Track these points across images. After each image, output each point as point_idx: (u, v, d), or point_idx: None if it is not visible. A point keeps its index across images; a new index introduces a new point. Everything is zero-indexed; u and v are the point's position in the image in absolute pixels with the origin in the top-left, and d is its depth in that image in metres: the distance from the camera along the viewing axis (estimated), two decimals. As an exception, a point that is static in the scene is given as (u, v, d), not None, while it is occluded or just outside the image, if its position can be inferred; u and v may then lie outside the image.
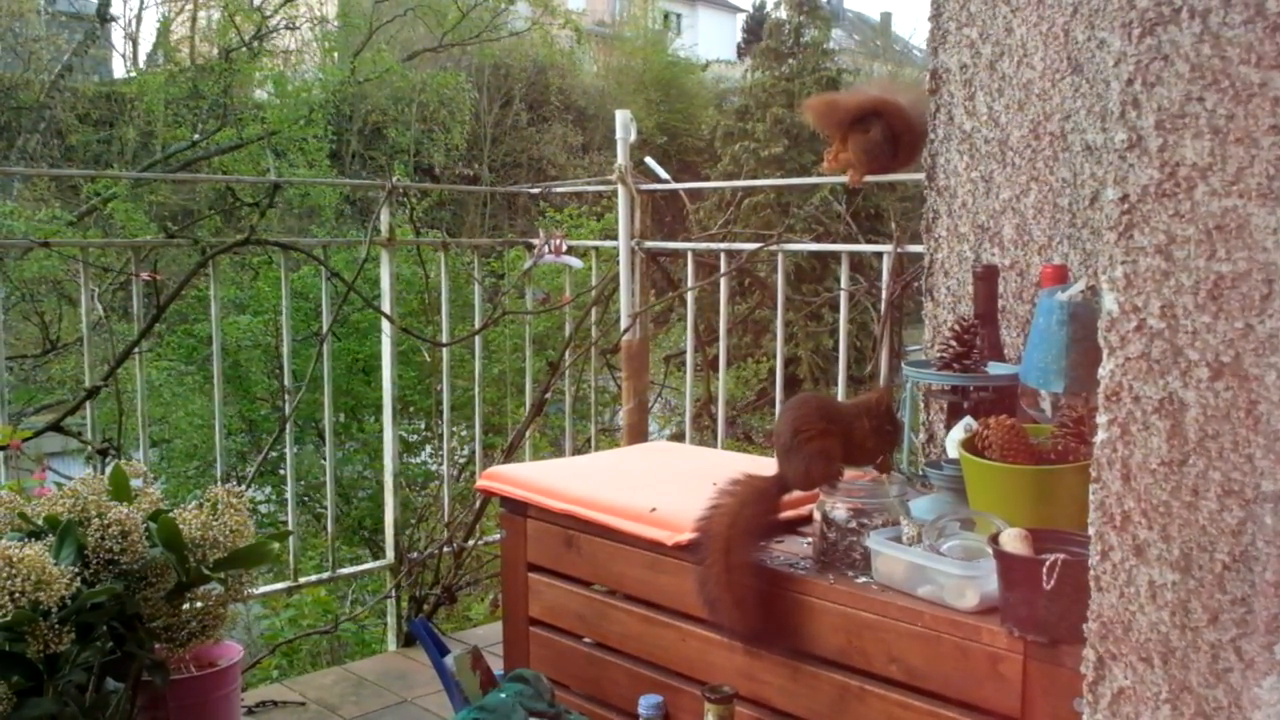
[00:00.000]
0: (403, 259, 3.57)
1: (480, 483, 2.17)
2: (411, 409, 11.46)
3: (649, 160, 3.33)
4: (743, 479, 1.70)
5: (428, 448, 13.15)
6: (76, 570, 1.57)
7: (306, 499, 10.69)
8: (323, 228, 11.97)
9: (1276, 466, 1.06)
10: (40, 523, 1.70)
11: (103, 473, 2.61)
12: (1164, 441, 1.14)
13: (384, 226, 2.93)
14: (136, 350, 2.57)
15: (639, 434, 3.06)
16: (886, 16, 31.29)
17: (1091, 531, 1.21)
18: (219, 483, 2.82)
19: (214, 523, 1.74)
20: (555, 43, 17.01)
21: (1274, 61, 1.05)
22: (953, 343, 1.82)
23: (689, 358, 2.97)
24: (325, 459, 3.11)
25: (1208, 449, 1.11)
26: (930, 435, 2.18)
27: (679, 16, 29.98)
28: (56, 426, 2.52)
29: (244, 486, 1.90)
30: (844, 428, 1.67)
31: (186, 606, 1.75)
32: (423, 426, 11.63)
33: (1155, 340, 1.15)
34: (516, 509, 2.08)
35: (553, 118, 20.70)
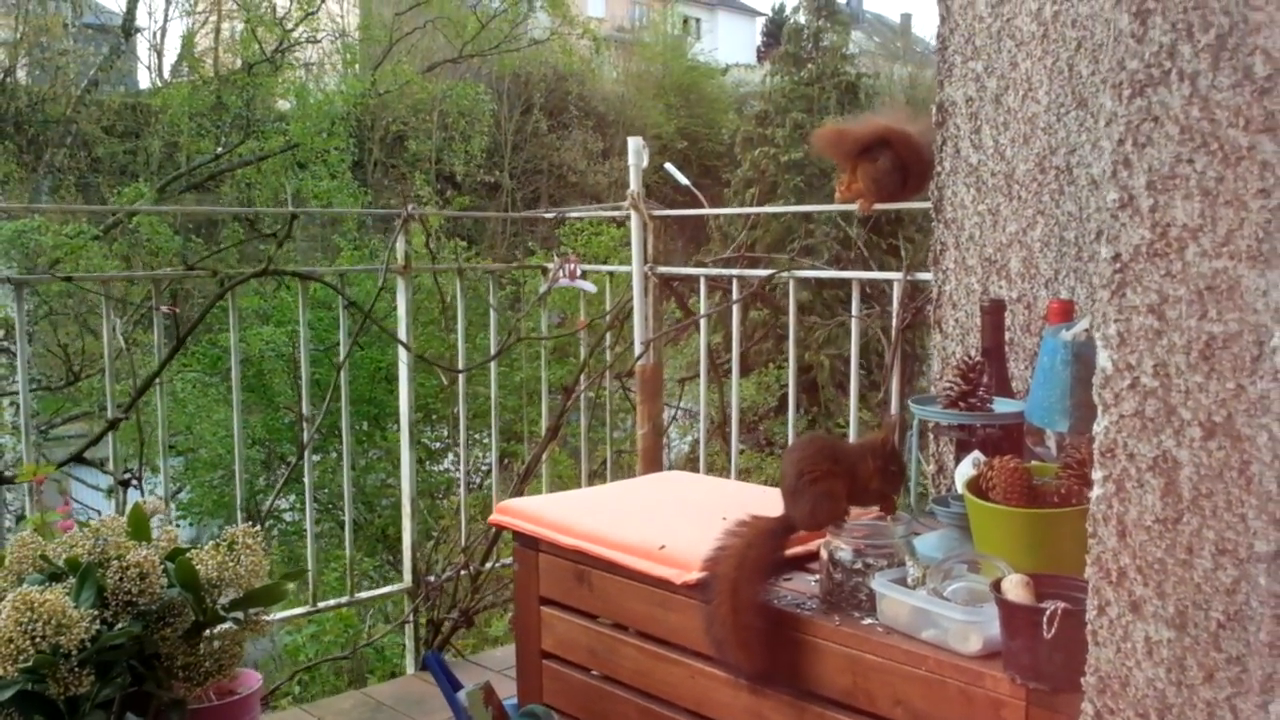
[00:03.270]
0: (423, 276, 3.60)
1: (494, 517, 2.20)
2: (434, 417, 11.54)
3: (668, 166, 3.35)
4: (749, 520, 1.71)
5: (450, 455, 13.24)
6: (96, 613, 1.61)
7: (331, 506, 10.79)
8: (345, 238, 12.07)
9: (1269, 527, 1.07)
10: (61, 564, 1.74)
11: (124, 501, 2.66)
12: (1158, 499, 1.15)
13: (400, 254, 2.97)
14: (157, 381, 2.61)
15: (653, 457, 3.08)
16: (906, 18, 31.20)
17: (1089, 586, 1.22)
18: (238, 500, 2.88)
19: (230, 563, 1.77)
20: (574, 52, 17.04)
21: (1261, 125, 1.06)
22: (958, 380, 1.83)
23: (703, 381, 2.98)
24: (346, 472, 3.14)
25: (1201, 508, 1.12)
26: (940, 466, 2.19)
27: (698, 21, 30.00)
28: (79, 457, 2.57)
29: (266, 505, 1.93)
30: (849, 468, 1.69)
31: (203, 646, 1.79)
32: (445, 434, 11.71)
33: (1149, 398, 1.16)
34: (528, 543, 2.10)
35: (573, 124, 20.78)
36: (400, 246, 2.96)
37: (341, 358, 2.88)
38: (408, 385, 3.00)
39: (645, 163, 2.99)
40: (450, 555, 3.13)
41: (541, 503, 2.20)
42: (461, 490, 3.10)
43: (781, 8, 27.28)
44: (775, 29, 26.75)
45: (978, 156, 2.11)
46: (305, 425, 2.89)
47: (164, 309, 2.56)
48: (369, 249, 12.47)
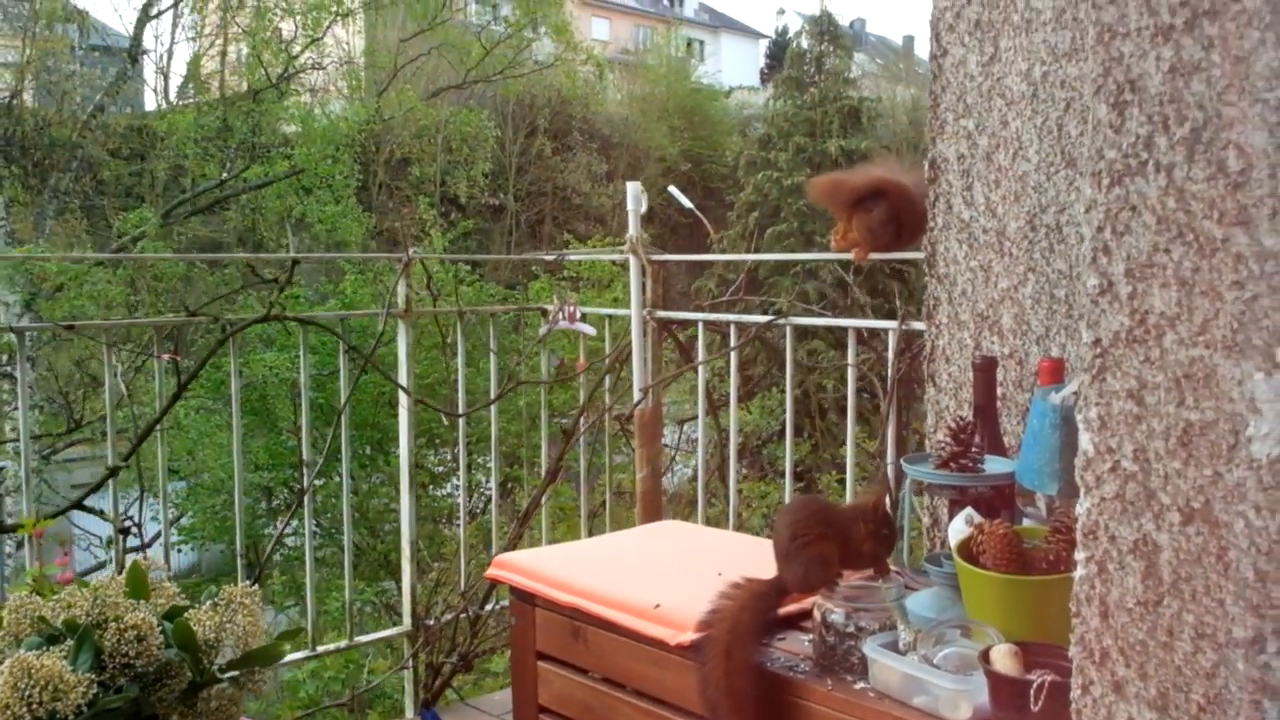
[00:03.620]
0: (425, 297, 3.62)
1: (491, 571, 2.22)
2: (437, 441, 11.55)
3: (672, 189, 3.38)
4: (743, 582, 1.73)
5: (453, 479, 13.23)
6: (93, 677, 1.63)
7: (334, 531, 10.80)
8: (349, 262, 12.14)
9: (1247, 613, 1.09)
10: (59, 625, 1.75)
11: (123, 549, 2.69)
12: (1139, 582, 1.17)
13: (401, 297, 3.00)
14: (158, 428, 2.64)
15: (652, 500, 3.10)
16: (909, 40, 31.35)
17: (1073, 665, 1.24)
18: (238, 531, 2.90)
19: (228, 624, 1.79)
20: (578, 76, 17.16)
21: (1235, 219, 1.09)
22: (950, 440, 1.85)
23: (700, 426, 3.01)
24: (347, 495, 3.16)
25: (1181, 591, 1.14)
26: (935, 518, 2.21)
27: (701, 43, 30.17)
28: (79, 504, 2.60)
29: (266, 551, 1.95)
30: (841, 531, 1.71)
31: (200, 705, 1.80)
32: (448, 458, 11.72)
33: (1129, 482, 1.18)
34: (525, 598, 2.12)
35: (576, 147, 20.90)
36: (401, 290, 2.99)
37: (342, 401, 2.90)
38: (407, 429, 3.02)
39: (644, 207, 3.02)
40: (449, 598, 3.14)
41: (538, 557, 2.22)
42: (462, 533, 3.12)
43: (785, 30, 27.45)
44: (778, 51, 26.89)
45: (970, 213, 2.13)
46: (305, 470, 2.91)
47: (165, 356, 2.59)
48: (373, 272, 12.52)
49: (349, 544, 2.91)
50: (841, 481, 3.65)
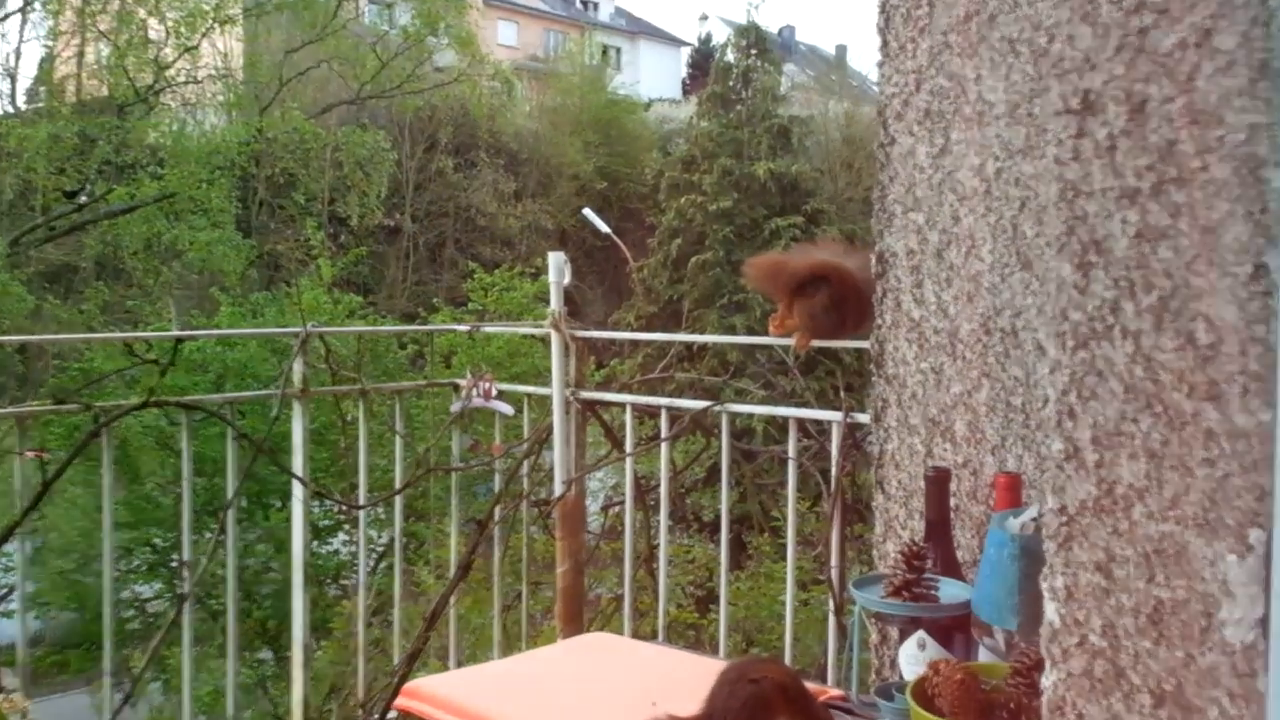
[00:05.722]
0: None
1: (400, 701, 2.20)
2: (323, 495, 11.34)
3: (587, 212, 3.42)
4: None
5: (341, 533, 13.00)
6: None
7: (206, 598, 10.53)
8: (227, 294, 11.94)
9: (1221, 805, 1.15)
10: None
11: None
12: (1109, 765, 1.22)
13: (297, 377, 2.98)
14: (17, 532, 2.57)
15: (574, 597, 3.11)
16: (841, 49, 32.08)
17: None
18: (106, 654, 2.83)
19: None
20: (483, 91, 17.17)
21: (1205, 393, 1.15)
22: (903, 566, 1.90)
23: (628, 520, 3.03)
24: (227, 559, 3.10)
25: (1153, 777, 1.19)
26: (883, 636, 2.26)
27: (618, 50, 30.43)
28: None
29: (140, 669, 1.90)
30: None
31: None
32: (337, 510, 11.52)
33: (1097, 659, 1.23)
34: (439, 732, 2.11)
35: (481, 163, 20.89)
36: (298, 369, 2.97)
37: (228, 494, 2.86)
38: (301, 524, 2.99)
39: (567, 279, 3.05)
40: (348, 709, 3.11)
41: (451, 684, 2.22)
42: (360, 638, 3.08)
43: (708, 38, 27.85)
44: (701, 60, 27.27)
45: (920, 312, 2.20)
46: (186, 572, 2.86)
47: (28, 453, 2.52)
48: (251, 306, 12.29)
49: (232, 676, 2.84)
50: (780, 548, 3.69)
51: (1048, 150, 1.27)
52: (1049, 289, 1.66)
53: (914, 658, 1.97)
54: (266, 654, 10.92)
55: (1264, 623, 1.11)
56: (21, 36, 21.79)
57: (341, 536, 12.14)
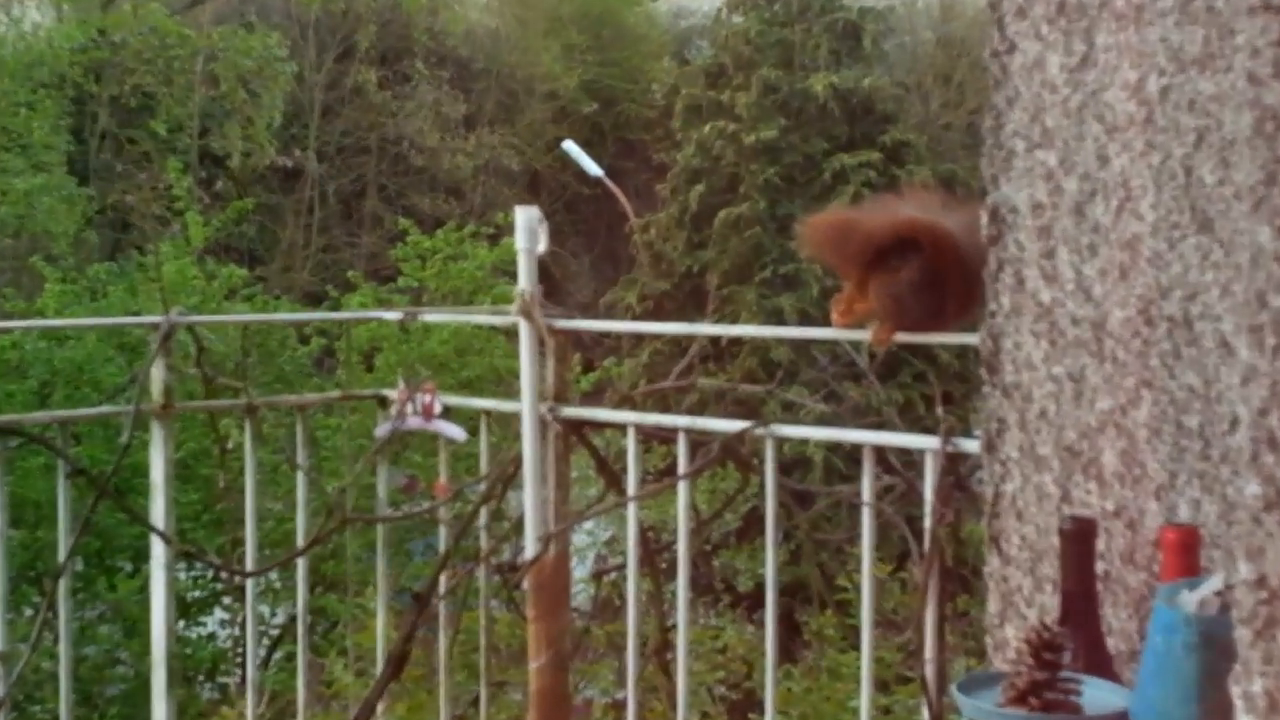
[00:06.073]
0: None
1: None
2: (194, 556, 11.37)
3: (569, 145, 3.42)
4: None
5: (218, 609, 13.08)
6: None
7: (25, 703, 10.54)
8: (55, 265, 11.96)
9: None
10: None
11: None
12: None
13: (156, 386, 2.98)
14: None
15: (555, 703, 3.12)
16: (937, -87, 32.04)
17: None
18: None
19: None
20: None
21: None
22: (1029, 659, 1.90)
23: (630, 583, 3.03)
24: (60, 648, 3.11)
25: None
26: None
27: (616, -84, 30.41)
28: None
29: None
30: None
31: None
32: (210, 576, 11.56)
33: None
34: None
35: (418, 77, 20.87)
36: (157, 374, 2.98)
37: (61, 557, 2.87)
38: (163, 597, 3.00)
39: (543, 244, 3.04)
40: None
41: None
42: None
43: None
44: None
45: (1051, 293, 2.20)
46: (0, 668, 2.87)
47: None
48: (89, 283, 12.31)
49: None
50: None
51: (1236, 61, 1.27)
52: (1239, 261, 1.66)
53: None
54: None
55: None
56: None
57: (220, 614, 12.14)
